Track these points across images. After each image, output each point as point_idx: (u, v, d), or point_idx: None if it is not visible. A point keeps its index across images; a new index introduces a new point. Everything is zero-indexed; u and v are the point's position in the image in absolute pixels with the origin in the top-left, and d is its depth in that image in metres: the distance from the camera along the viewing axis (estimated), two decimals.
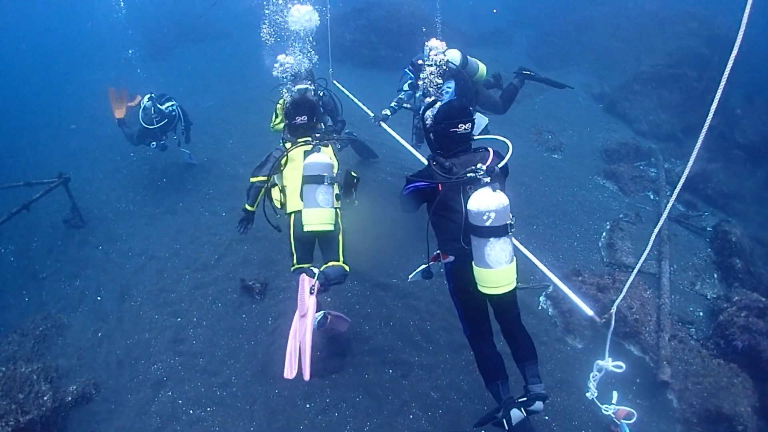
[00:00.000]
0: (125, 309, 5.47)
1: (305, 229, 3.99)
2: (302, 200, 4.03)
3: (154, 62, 14.51)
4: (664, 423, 4.23)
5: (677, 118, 10.00)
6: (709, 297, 5.77)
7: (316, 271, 3.98)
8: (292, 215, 4.15)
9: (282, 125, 5.15)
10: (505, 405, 3.28)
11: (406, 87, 5.87)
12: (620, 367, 3.22)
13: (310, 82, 5.45)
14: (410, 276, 3.88)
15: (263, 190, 4.31)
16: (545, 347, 4.73)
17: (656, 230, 2.99)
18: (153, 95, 7.20)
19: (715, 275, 6.14)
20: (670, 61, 11.20)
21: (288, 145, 4.36)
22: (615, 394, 3.63)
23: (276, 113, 5.70)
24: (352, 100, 6.95)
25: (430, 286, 5.34)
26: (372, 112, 6.20)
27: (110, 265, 6.20)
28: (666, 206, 6.73)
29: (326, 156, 4.11)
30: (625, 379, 4.37)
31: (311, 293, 3.84)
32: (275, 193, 4.32)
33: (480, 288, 3.18)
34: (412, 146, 5.76)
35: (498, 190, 3.06)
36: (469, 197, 3.10)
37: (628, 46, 12.34)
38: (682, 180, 2.58)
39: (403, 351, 4.61)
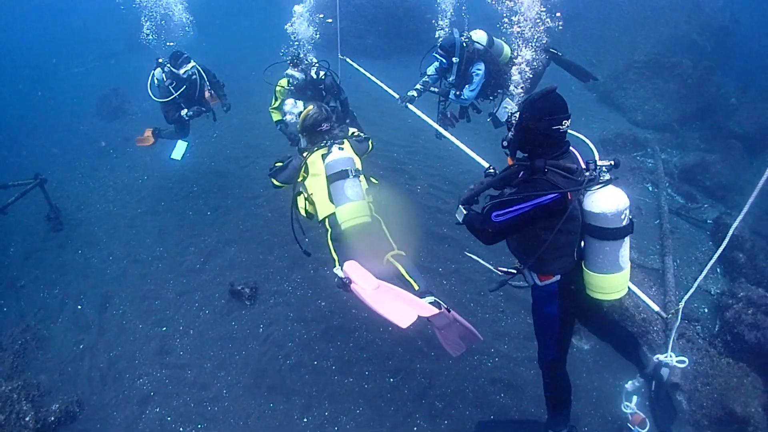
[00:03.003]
0: (107, 318, 5.19)
1: (343, 227, 3.79)
2: (332, 202, 3.87)
3: (134, 54, 14.10)
4: (675, 425, 4.06)
5: (672, 107, 9.87)
6: (713, 292, 5.63)
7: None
8: (326, 220, 3.99)
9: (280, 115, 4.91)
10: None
11: (431, 71, 5.75)
12: (683, 362, 3.24)
13: (315, 63, 5.51)
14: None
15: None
16: None
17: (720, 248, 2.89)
18: (162, 60, 6.24)
19: (718, 269, 6.00)
20: (663, 49, 11.06)
21: (305, 153, 4.16)
22: (635, 399, 3.61)
23: (275, 96, 5.61)
24: (375, 82, 6.56)
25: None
26: (397, 94, 5.90)
27: (91, 271, 5.90)
28: (663, 199, 6.63)
29: (345, 151, 3.99)
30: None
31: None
32: (300, 201, 4.13)
33: (602, 296, 2.98)
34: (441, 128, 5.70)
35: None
36: (581, 202, 2.82)
37: (620, 35, 12.18)
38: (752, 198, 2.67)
39: (404, 358, 4.39)
